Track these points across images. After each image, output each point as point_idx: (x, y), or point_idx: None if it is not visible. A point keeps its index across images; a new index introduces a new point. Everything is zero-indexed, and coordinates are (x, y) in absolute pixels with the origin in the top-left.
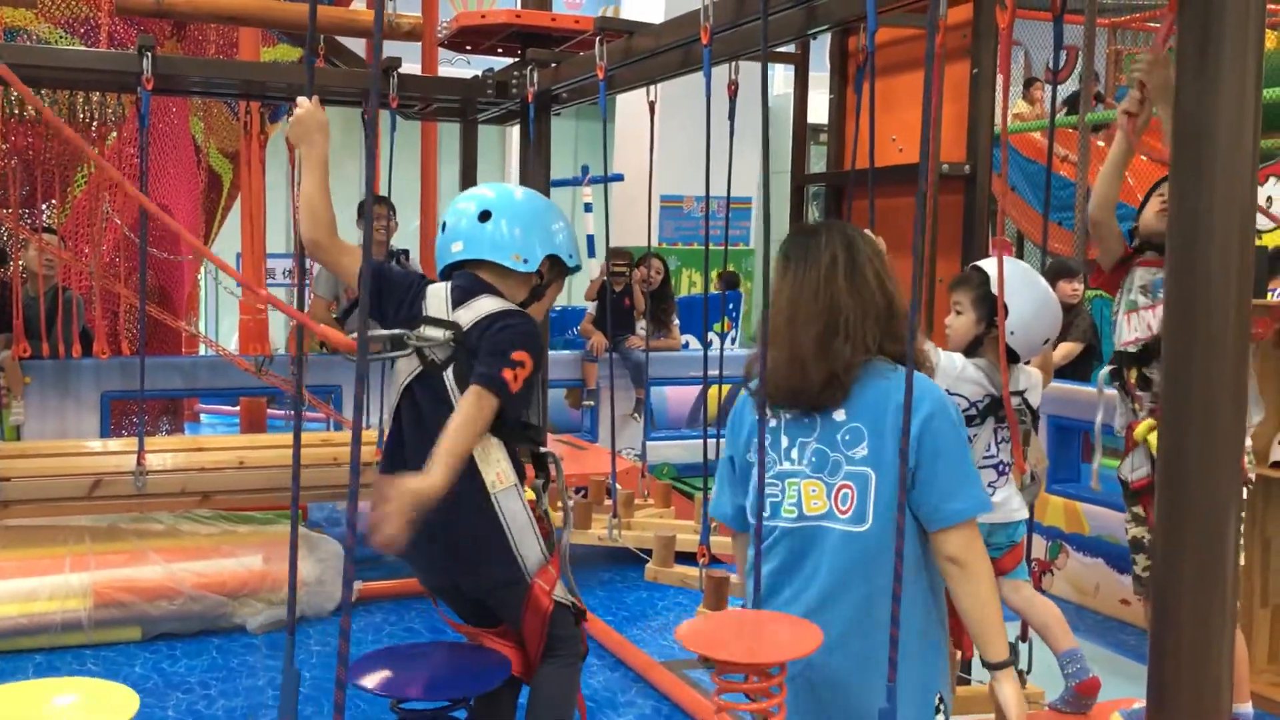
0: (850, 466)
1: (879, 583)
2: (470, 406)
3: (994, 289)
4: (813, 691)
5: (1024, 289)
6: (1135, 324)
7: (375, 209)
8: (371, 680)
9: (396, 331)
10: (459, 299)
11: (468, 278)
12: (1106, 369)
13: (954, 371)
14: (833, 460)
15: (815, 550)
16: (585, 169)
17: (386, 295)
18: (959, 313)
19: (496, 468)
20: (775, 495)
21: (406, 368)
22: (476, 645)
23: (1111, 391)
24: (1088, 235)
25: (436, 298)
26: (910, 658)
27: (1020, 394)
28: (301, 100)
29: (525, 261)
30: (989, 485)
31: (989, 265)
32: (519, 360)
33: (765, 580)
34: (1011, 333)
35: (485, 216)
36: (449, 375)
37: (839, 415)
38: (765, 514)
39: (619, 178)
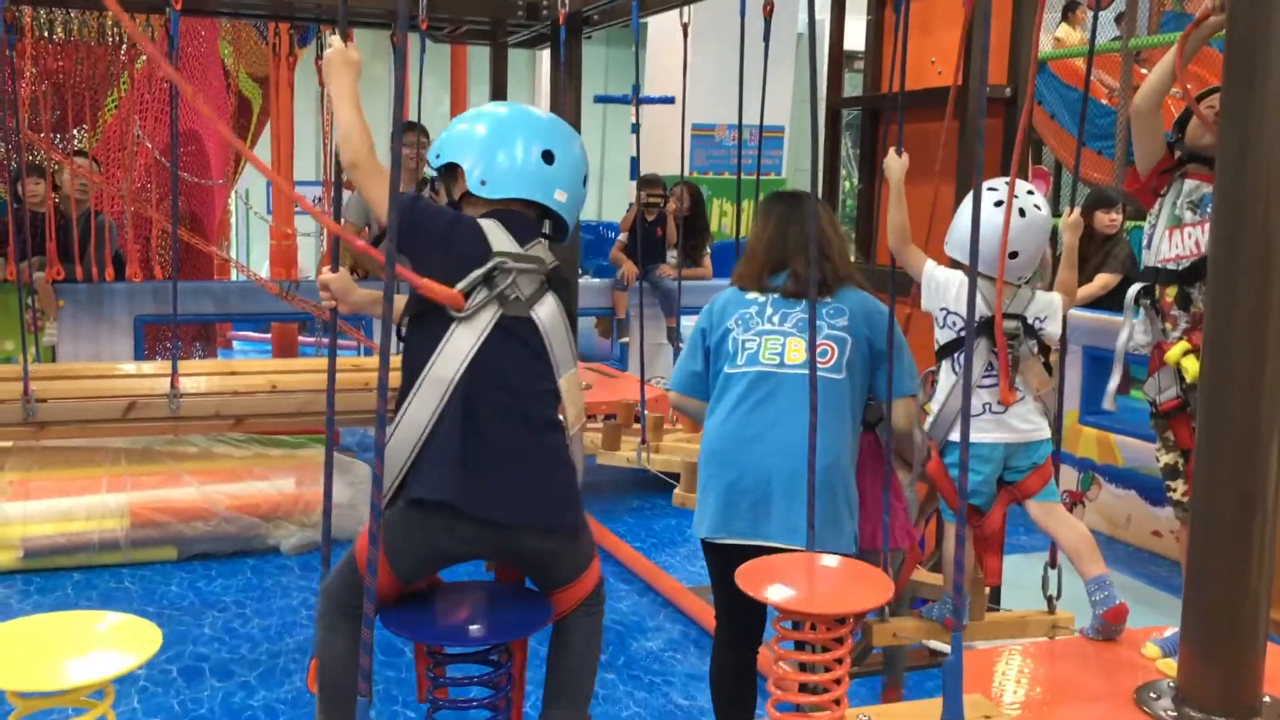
0: (831, 331)
1: (845, 418)
2: None
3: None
4: (769, 500)
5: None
6: (1178, 240)
7: (406, 135)
8: (406, 625)
9: (492, 264)
10: (523, 237)
11: (520, 216)
12: (1137, 286)
13: (951, 290)
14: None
15: (789, 391)
16: (636, 89)
17: (421, 231)
18: None
19: (574, 407)
20: (752, 348)
21: (483, 317)
22: (516, 586)
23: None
24: (1127, 164)
25: (496, 233)
26: (848, 472)
27: (1018, 317)
28: (333, 40)
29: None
30: (999, 404)
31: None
32: None
33: (740, 415)
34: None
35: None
36: (539, 315)
37: (825, 298)
38: (741, 361)
39: (670, 100)
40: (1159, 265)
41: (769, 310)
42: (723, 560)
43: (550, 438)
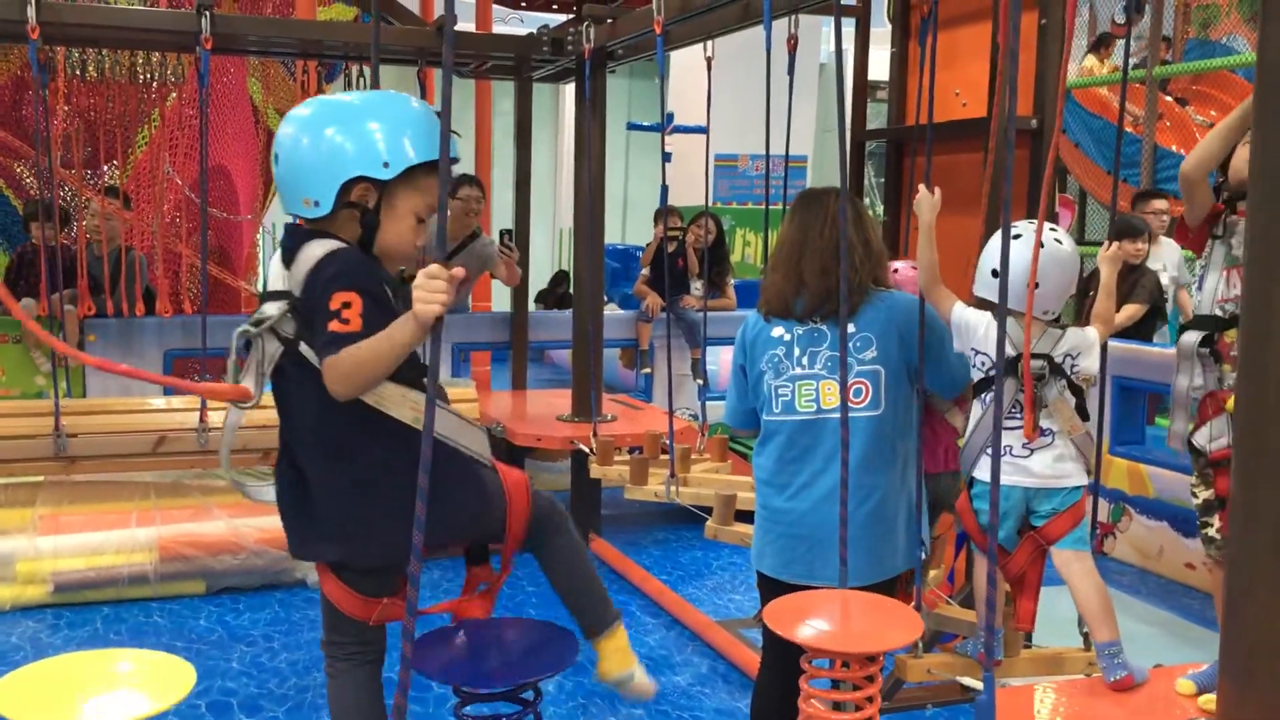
0: (862, 368)
1: (891, 450)
2: (336, 384)
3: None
4: (823, 544)
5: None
6: (1236, 281)
7: (469, 191)
8: (434, 666)
9: (240, 329)
10: (288, 258)
11: (293, 230)
12: (1195, 334)
13: (979, 330)
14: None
15: (831, 436)
16: (670, 117)
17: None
18: None
19: (406, 402)
20: (787, 395)
21: (270, 355)
22: (544, 623)
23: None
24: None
25: (274, 266)
26: (909, 500)
27: (1044, 356)
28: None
29: (317, 204)
30: (1023, 448)
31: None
32: (342, 304)
33: (789, 464)
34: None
35: (275, 159)
36: (306, 350)
37: (850, 327)
38: (778, 410)
39: (703, 129)
40: (1219, 305)
41: (796, 351)
42: (780, 593)
43: (387, 453)
